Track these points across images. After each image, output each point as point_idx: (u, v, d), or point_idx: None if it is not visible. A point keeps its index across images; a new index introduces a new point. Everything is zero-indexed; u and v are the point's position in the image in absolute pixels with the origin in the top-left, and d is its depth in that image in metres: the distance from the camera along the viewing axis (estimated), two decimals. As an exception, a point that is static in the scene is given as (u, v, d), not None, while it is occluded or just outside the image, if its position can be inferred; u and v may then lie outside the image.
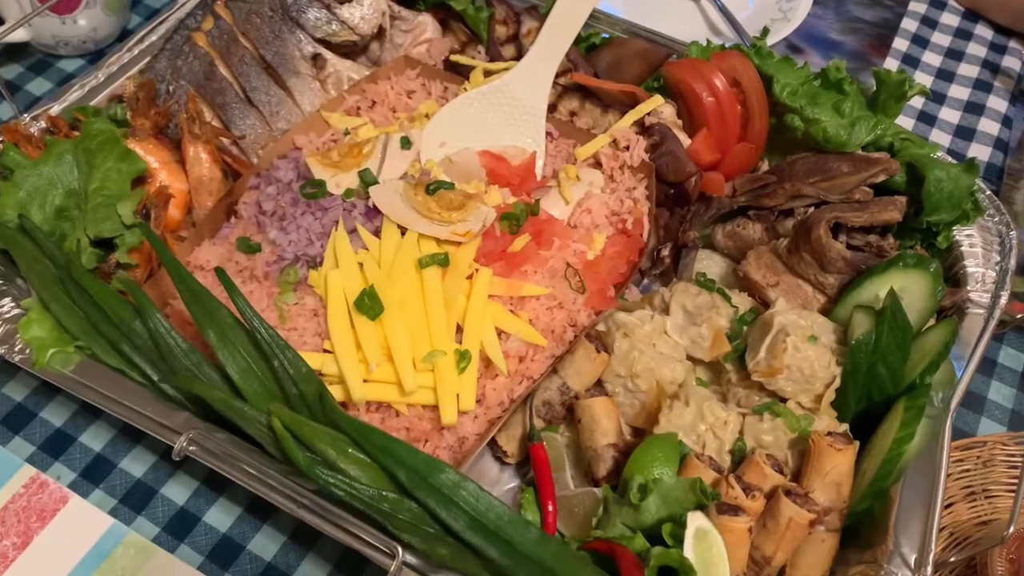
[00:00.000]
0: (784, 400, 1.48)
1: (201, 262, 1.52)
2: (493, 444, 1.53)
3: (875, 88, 1.71)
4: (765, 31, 1.77)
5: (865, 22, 2.47)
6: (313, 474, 1.12)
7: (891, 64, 2.38)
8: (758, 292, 1.65)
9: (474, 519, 1.11)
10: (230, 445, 1.27)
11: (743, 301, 1.63)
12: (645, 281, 1.83)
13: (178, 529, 1.48)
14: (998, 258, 1.59)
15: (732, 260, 1.82)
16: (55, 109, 1.73)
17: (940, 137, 2.25)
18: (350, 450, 1.16)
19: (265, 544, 1.47)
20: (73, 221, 1.50)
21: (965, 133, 2.26)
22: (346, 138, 1.71)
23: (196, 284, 1.30)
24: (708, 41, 1.79)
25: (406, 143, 1.56)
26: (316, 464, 1.14)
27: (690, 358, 1.59)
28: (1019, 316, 1.78)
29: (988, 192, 1.68)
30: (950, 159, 1.73)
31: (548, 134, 1.78)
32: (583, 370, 1.50)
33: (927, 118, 2.30)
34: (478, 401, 1.40)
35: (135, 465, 1.54)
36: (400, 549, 1.16)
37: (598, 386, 1.53)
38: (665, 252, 1.78)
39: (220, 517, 1.49)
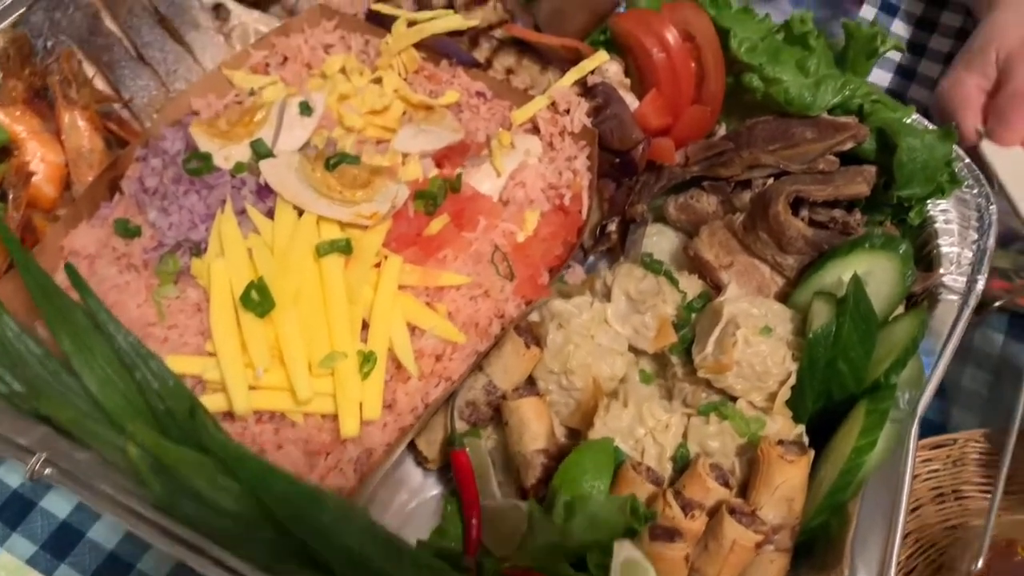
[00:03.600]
0: (735, 398, 1.33)
1: (76, 247, 1.33)
2: (413, 448, 1.37)
3: (845, 40, 1.52)
4: (722, -24, 1.57)
5: (840, -35, 2.26)
6: (172, 509, 0.96)
7: (868, 12, 2.18)
8: (709, 274, 1.48)
9: (362, 560, 0.95)
10: (95, 466, 1.10)
11: (693, 285, 1.47)
12: (591, 259, 1.65)
13: (58, 547, 1.32)
14: (975, 236, 1.43)
15: (685, 234, 1.65)
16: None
17: (919, 93, 2.06)
18: (221, 478, 1.00)
19: (159, 564, 1.31)
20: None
21: (945, 88, 2.08)
22: (249, 99, 1.51)
23: (46, 280, 1.12)
24: (659, -12, 1.59)
25: (306, 109, 1.36)
26: (178, 496, 0.97)
27: (633, 349, 1.44)
28: (999, 300, 1.63)
29: (967, 161, 1.51)
30: (927, 123, 1.56)
31: (481, 94, 1.59)
32: (511, 367, 1.34)
33: (905, 72, 2.12)
34: (388, 406, 1.23)
35: (11, 475, 1.38)
36: (283, 592, 1.01)
37: (529, 384, 1.37)
38: (611, 227, 1.60)
39: (106, 533, 1.33)
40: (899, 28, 2.18)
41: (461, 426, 1.35)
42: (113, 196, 1.42)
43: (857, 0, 2.19)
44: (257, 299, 1.18)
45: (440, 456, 1.36)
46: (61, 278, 1.31)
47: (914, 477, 1.39)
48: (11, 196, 1.26)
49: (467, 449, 1.32)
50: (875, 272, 1.35)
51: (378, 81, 1.59)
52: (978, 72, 1.66)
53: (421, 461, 1.38)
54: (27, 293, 1.26)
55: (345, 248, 1.23)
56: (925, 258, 1.45)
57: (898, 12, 2.20)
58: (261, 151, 1.30)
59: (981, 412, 1.59)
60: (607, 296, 1.46)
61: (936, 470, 1.46)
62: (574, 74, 1.53)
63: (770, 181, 1.50)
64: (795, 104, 1.48)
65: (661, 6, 1.56)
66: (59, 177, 1.41)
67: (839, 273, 1.37)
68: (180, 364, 1.18)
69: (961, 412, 1.58)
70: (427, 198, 1.30)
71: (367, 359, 1.19)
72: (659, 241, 1.65)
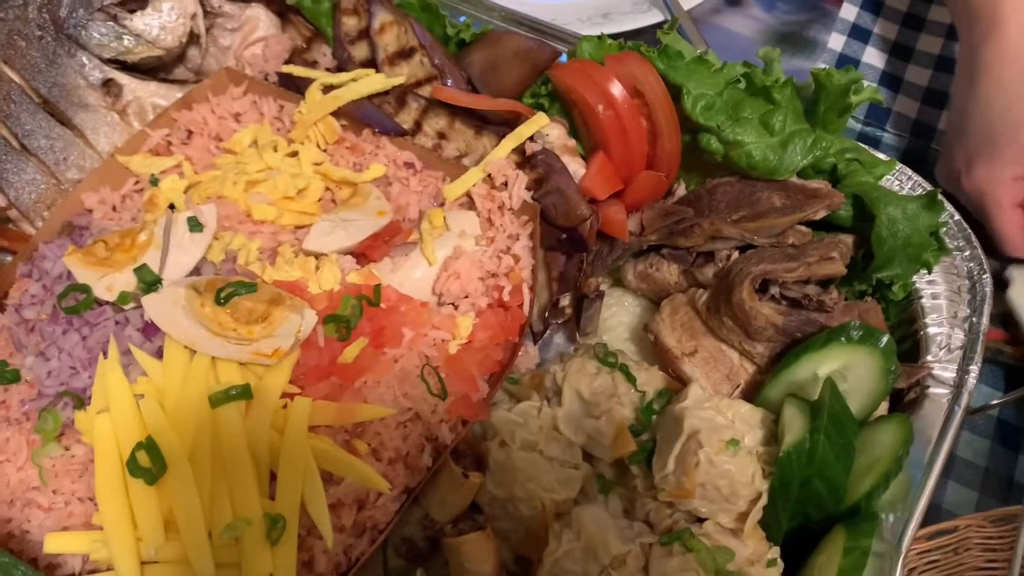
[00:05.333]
0: (703, 519, 1.19)
1: (-49, 389, 1.19)
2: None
3: (814, 88, 1.33)
4: (674, 21, 1.38)
5: (817, -40, 2.05)
6: None
7: (848, 11, 1.98)
8: (671, 364, 1.33)
9: None
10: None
11: (652, 378, 1.31)
12: (547, 333, 1.50)
13: None
14: (967, 312, 1.27)
15: (647, 299, 1.49)
16: None
17: (906, 105, 1.88)
18: None
19: None
20: None
21: (936, 98, 1.88)
22: (147, 194, 1.35)
23: None
24: (602, 35, 1.40)
25: (196, 225, 1.19)
26: None
27: (589, 455, 1.29)
28: (1003, 349, 1.48)
29: (956, 218, 1.34)
30: (910, 172, 1.38)
31: (410, 165, 1.42)
32: (449, 498, 1.20)
33: (891, 80, 1.92)
34: (305, 565, 1.10)
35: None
36: None
37: (471, 511, 1.23)
38: (565, 302, 1.44)
39: None
40: (883, 28, 1.98)
41: (397, 563, 1.22)
42: (-2, 319, 1.27)
43: (837, -1, 1.99)
44: (145, 464, 1.03)
45: (377, 593, 1.24)
46: (-64, 430, 1.17)
47: (911, 570, 1.28)
48: None
49: (404, 593, 1.19)
50: (854, 367, 1.20)
51: (295, 155, 1.43)
52: (1013, 161, 1.38)
53: (357, 599, 1.25)
54: None
55: (243, 394, 1.08)
56: (911, 337, 1.29)
57: (882, 9, 2.00)
58: (146, 278, 1.13)
59: (979, 486, 1.44)
60: (558, 395, 1.31)
61: (935, 561, 1.33)
62: (509, 142, 1.36)
63: (735, 254, 1.34)
64: (759, 168, 1.31)
65: (604, 58, 1.37)
66: (-68, 305, 1.26)
67: (814, 368, 1.22)
68: (63, 542, 1.05)
69: (956, 486, 1.44)
70: (339, 322, 1.14)
71: (275, 523, 1.04)
72: (618, 313, 1.50)
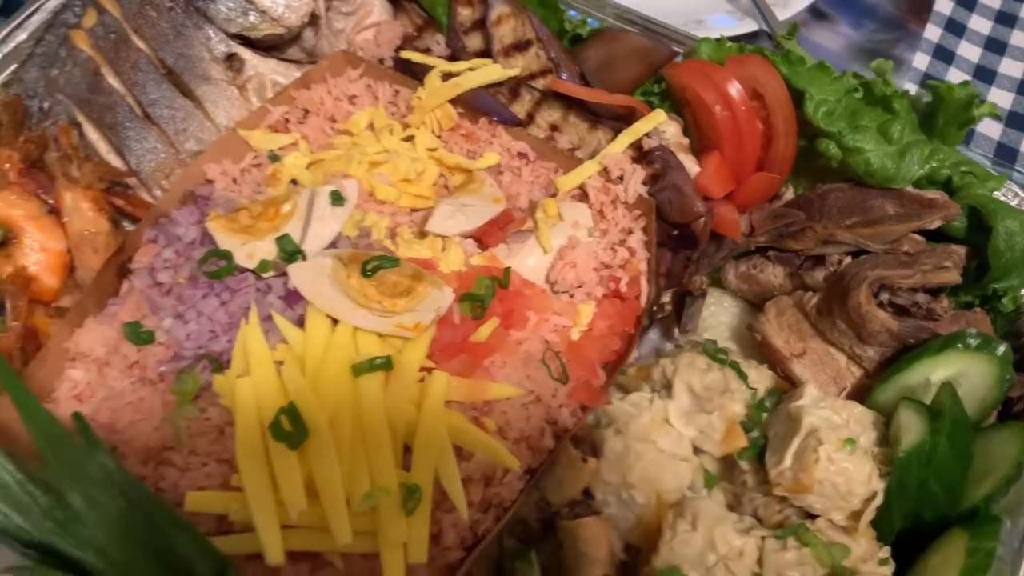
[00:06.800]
0: (813, 516, 1.20)
1: (83, 348, 1.20)
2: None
3: (931, 102, 1.36)
4: (793, 28, 1.41)
5: (902, -19, 2.09)
6: None
7: (932, 32, 2.02)
8: (780, 364, 1.35)
9: None
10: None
11: (762, 376, 1.33)
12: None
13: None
14: (1078, 326, 1.29)
15: (746, 303, 1.51)
16: None
17: (989, 127, 1.91)
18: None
19: None
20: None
21: (1019, 121, 1.92)
22: (270, 164, 1.37)
23: (52, 425, 0.98)
24: (722, 37, 1.43)
25: (338, 199, 1.21)
26: None
27: (697, 449, 1.31)
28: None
29: (1066, 234, 1.36)
30: (1016, 188, 1.40)
31: (523, 155, 1.44)
32: (566, 482, 1.22)
33: (980, 86, 1.96)
34: (433, 538, 1.11)
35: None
36: None
37: (585, 497, 1.24)
38: (666, 299, 1.47)
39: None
40: (966, 50, 2.01)
41: (511, 544, 1.24)
42: (122, 281, 1.28)
43: (921, 19, 2.02)
44: (289, 429, 1.05)
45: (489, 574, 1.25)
46: (67, 387, 1.19)
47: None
48: (9, 307, 1.12)
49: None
50: (968, 374, 1.22)
51: (410, 139, 1.45)
52: None
53: (468, 576, 1.26)
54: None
55: (385, 366, 1.09)
56: (1019, 351, 1.31)
57: (965, 32, 2.03)
58: (288, 248, 1.15)
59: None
60: (667, 388, 1.33)
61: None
62: (627, 137, 1.38)
63: (846, 259, 1.36)
64: (876, 176, 1.33)
65: (725, 59, 1.40)
66: (61, 265, 1.27)
67: (927, 373, 1.24)
68: (202, 501, 1.06)
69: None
70: (474, 301, 1.16)
71: (411, 493, 1.06)
72: (717, 312, 1.51)
